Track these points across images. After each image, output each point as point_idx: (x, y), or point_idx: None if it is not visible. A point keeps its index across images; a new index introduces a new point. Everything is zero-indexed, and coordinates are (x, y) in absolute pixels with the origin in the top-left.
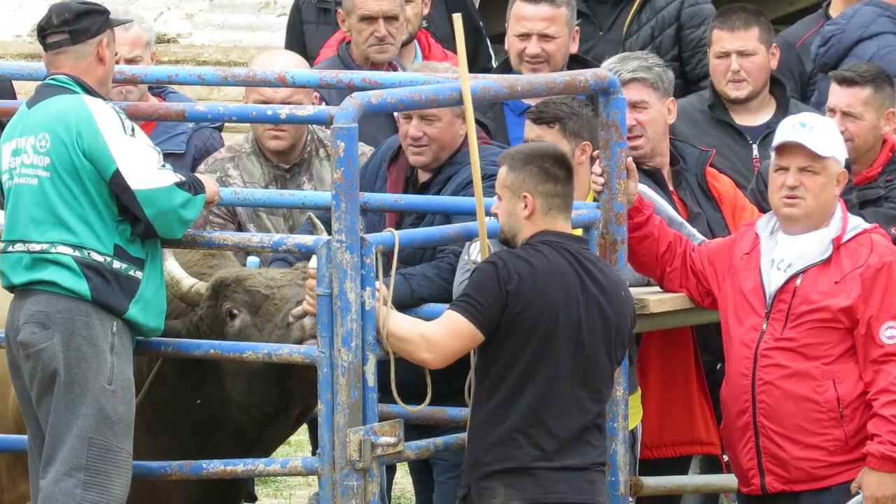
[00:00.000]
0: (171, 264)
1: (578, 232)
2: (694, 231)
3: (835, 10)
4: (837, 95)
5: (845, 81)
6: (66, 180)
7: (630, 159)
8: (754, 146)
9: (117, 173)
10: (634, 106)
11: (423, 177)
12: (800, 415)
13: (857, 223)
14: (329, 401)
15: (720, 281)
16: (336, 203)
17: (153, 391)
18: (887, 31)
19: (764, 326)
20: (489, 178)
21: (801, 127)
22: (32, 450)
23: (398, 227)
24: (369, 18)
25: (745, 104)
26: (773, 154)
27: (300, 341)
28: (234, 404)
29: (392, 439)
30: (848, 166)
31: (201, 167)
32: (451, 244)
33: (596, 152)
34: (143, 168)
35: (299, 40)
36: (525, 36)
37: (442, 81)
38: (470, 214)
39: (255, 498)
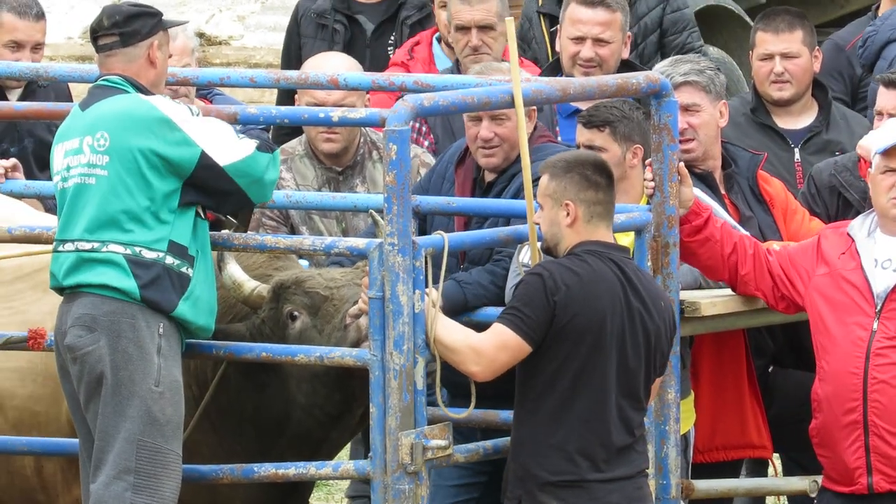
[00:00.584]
0: (233, 268)
1: (630, 235)
2: (746, 234)
3: (883, 13)
4: (884, 98)
5: (892, 84)
6: (126, 178)
7: (682, 164)
8: (796, 150)
9: (204, 155)
10: (686, 109)
11: (489, 177)
12: None
13: None
14: (381, 404)
15: (805, 283)
16: (388, 206)
17: (218, 393)
18: None
19: (874, 326)
20: None
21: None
22: (83, 453)
23: (466, 229)
24: (463, 28)
25: (787, 107)
26: (876, 157)
27: (357, 342)
28: (298, 406)
29: (443, 442)
30: None
31: None
32: (502, 247)
33: (648, 160)
34: (226, 143)
35: (296, 53)
36: (580, 39)
37: (494, 84)
38: (523, 217)
39: None
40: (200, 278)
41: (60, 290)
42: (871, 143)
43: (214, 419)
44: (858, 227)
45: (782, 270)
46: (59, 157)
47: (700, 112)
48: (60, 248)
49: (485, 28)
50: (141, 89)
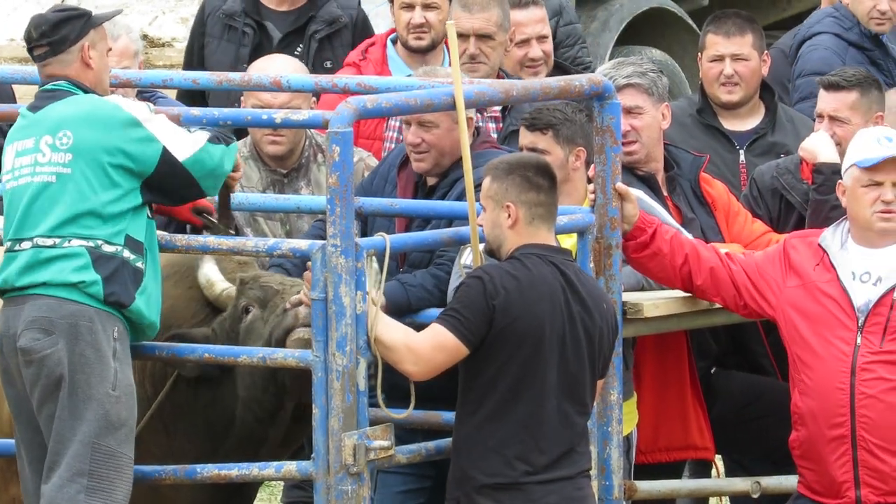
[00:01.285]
0: (209, 267)
1: (573, 237)
2: (689, 236)
3: None
4: (824, 100)
5: (832, 86)
6: (90, 176)
7: (623, 187)
8: (741, 151)
9: (165, 151)
10: (629, 111)
11: (431, 181)
12: None
13: None
14: (323, 405)
15: (775, 294)
16: (331, 207)
17: (172, 392)
18: (826, 30)
19: (858, 340)
20: None
21: (888, 141)
22: (27, 454)
23: (407, 232)
24: (461, 36)
25: (735, 109)
26: (855, 170)
27: (291, 328)
28: (241, 401)
29: (385, 443)
30: None
31: None
32: (444, 248)
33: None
34: (182, 138)
35: (199, 53)
36: (524, 42)
37: (437, 86)
38: (465, 219)
39: None
40: (150, 274)
41: (4, 292)
42: (820, 149)
43: (167, 419)
44: (830, 238)
45: (749, 280)
46: (9, 157)
47: (643, 114)
48: (17, 248)
49: (483, 37)
50: (87, 91)
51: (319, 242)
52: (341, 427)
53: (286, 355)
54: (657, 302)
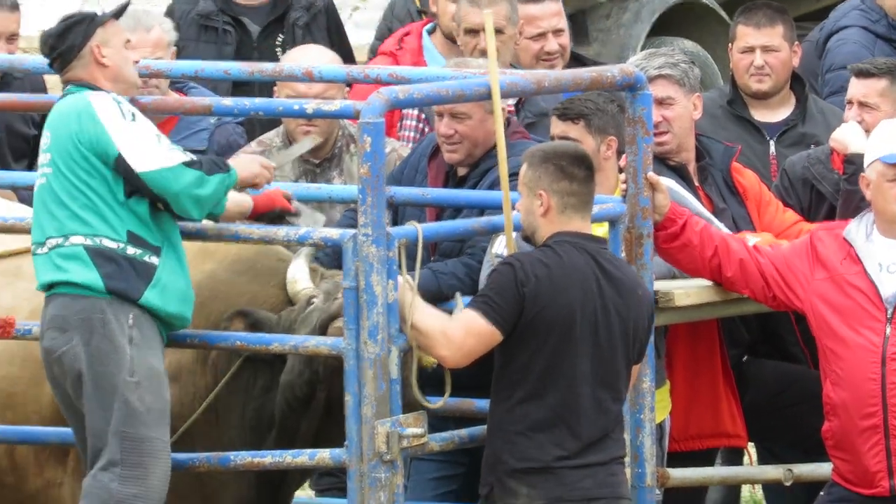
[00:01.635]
0: (298, 265)
1: (605, 226)
2: (721, 226)
3: None
4: (854, 87)
5: (862, 73)
6: (67, 173)
7: (654, 177)
8: (771, 142)
9: (119, 158)
10: (661, 102)
11: (462, 171)
12: None
13: None
14: (356, 393)
15: (803, 287)
16: (362, 197)
17: (234, 380)
18: (853, 24)
19: (888, 331)
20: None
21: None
22: (79, 455)
23: (438, 221)
24: (471, 31)
25: (765, 100)
26: (879, 165)
27: (336, 316)
28: (279, 386)
29: (418, 430)
30: None
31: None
32: (477, 237)
33: (623, 157)
34: (145, 150)
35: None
36: (540, 36)
37: (469, 77)
38: (497, 208)
39: None
40: (169, 267)
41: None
42: (851, 140)
43: (221, 409)
44: (855, 230)
45: (777, 272)
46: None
47: (674, 105)
48: (38, 251)
49: (494, 31)
50: (93, 89)
51: (351, 231)
52: (374, 415)
53: (318, 343)
54: (688, 291)
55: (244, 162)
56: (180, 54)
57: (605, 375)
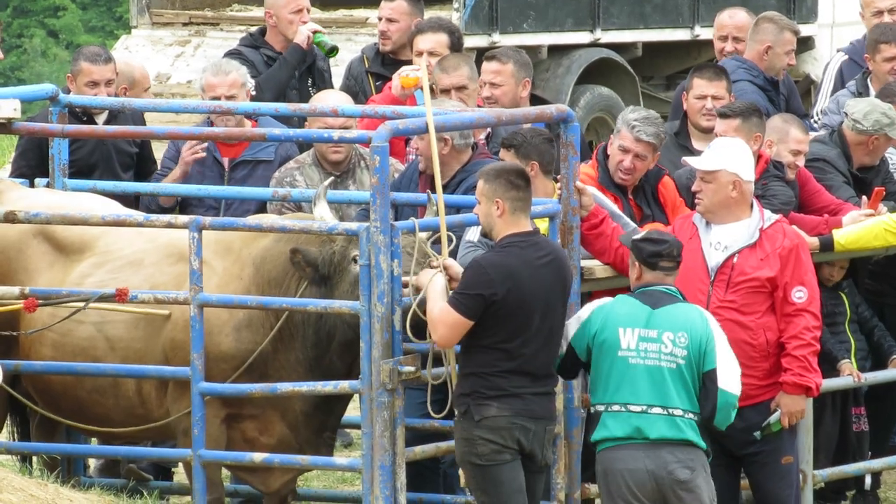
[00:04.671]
0: (322, 207)
1: (546, 221)
2: (628, 220)
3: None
4: (718, 125)
5: (722, 115)
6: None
7: (581, 185)
8: None
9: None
10: (636, 155)
11: (442, 180)
12: (741, 354)
13: (769, 214)
14: (368, 340)
15: None
16: (373, 199)
17: (290, 316)
18: (742, 78)
19: (710, 291)
20: None
21: (708, 150)
22: None
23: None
24: (445, 91)
25: (709, 133)
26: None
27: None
28: (344, 321)
29: (412, 368)
30: None
31: (276, 174)
32: (455, 228)
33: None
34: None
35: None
36: (703, 97)
37: (449, 113)
38: (468, 209)
39: None
40: None
41: None
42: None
43: (286, 339)
44: (699, 219)
45: None
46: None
47: (646, 160)
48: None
49: (460, 88)
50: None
51: (365, 224)
52: (380, 356)
53: (341, 304)
54: (605, 267)
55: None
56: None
57: (553, 326)
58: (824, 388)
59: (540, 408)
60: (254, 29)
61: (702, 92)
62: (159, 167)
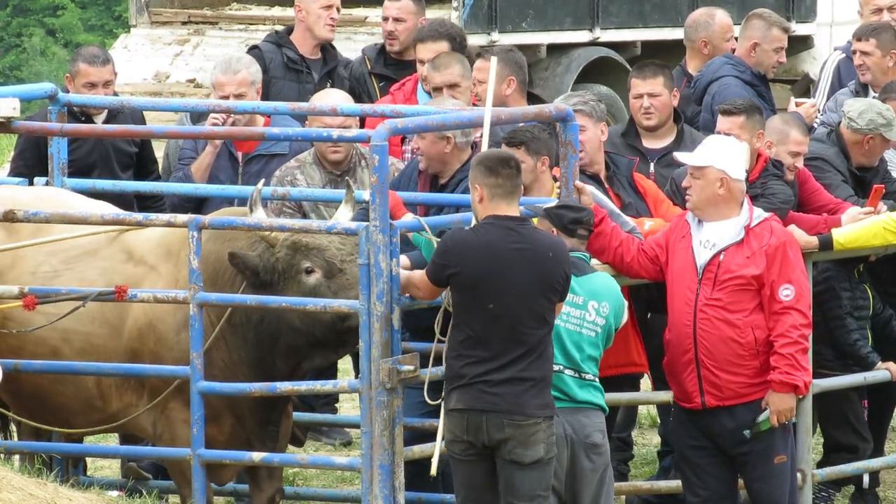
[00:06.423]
0: (259, 211)
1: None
2: (627, 219)
3: (691, 66)
4: (721, 122)
5: (726, 112)
6: None
7: (580, 184)
8: (652, 164)
9: None
10: None
11: (442, 180)
12: (729, 352)
13: (759, 213)
14: (367, 339)
15: (669, 259)
16: (372, 198)
17: (232, 315)
18: (728, 74)
19: (698, 289)
20: None
21: (699, 147)
22: None
23: (426, 216)
24: (437, 88)
25: (654, 132)
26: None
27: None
28: (292, 328)
29: (411, 367)
30: None
31: (277, 173)
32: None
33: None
34: None
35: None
36: (640, 95)
37: (450, 112)
38: (466, 207)
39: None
40: None
41: None
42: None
43: (228, 338)
44: (691, 217)
45: (656, 254)
46: None
47: (586, 131)
48: None
49: (452, 86)
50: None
51: (364, 223)
52: (380, 356)
53: (341, 304)
54: (604, 266)
55: None
56: (270, 87)
57: (525, 313)
58: (838, 385)
59: (501, 400)
60: (280, 28)
61: (637, 91)
62: (178, 159)
